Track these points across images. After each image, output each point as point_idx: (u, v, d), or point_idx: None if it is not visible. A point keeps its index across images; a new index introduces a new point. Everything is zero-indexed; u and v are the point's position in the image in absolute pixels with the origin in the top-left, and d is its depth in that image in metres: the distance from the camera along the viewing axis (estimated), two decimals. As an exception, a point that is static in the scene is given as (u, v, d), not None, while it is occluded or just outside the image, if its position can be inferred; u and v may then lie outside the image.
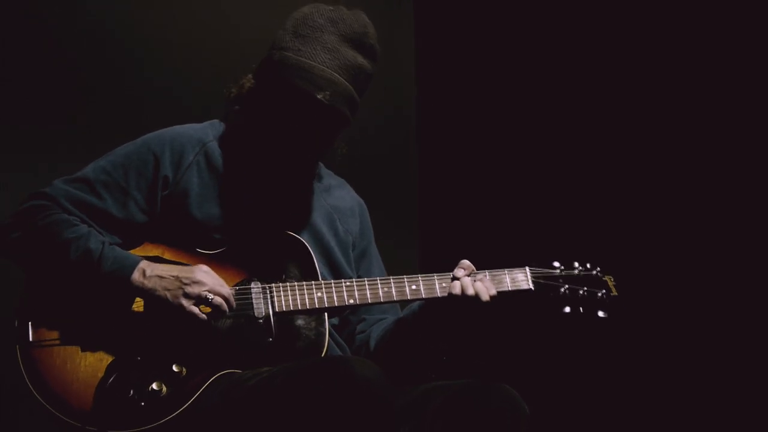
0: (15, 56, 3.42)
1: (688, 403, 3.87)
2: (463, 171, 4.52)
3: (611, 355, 3.98)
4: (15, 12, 3.44)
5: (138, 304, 2.47)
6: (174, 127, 2.71)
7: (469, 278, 2.62)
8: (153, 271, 2.44)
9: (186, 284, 2.43)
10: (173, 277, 2.44)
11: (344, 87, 2.57)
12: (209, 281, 2.45)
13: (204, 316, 2.44)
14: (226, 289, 2.48)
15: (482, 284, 2.61)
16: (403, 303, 2.76)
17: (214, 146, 2.68)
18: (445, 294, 2.62)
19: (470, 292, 2.59)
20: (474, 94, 4.51)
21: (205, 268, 2.48)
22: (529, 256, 2.76)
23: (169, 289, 2.43)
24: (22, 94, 3.43)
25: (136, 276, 2.43)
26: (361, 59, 2.61)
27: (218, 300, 2.45)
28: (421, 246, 4.53)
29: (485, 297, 2.60)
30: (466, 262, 2.65)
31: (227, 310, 2.47)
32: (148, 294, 2.43)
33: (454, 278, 2.62)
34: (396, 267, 2.94)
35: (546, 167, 4.31)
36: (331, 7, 2.64)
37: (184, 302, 2.43)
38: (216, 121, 2.77)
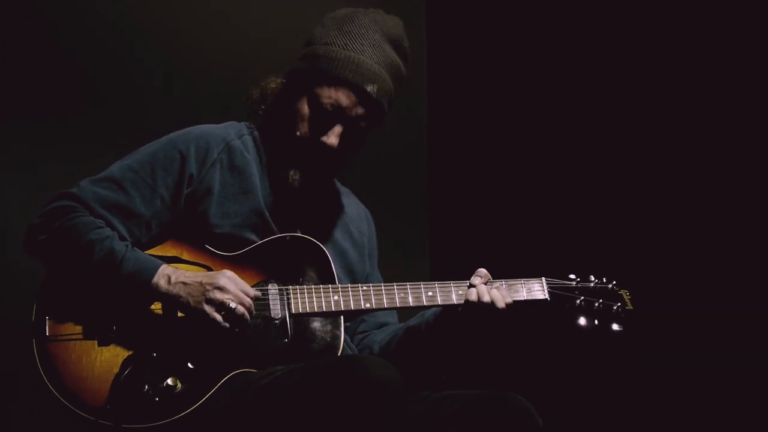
0: (19, 55, 3.45)
1: (702, 417, 3.84)
2: (475, 177, 4.49)
3: (624, 370, 3.95)
4: (20, 11, 3.48)
5: (156, 305, 2.48)
6: (197, 126, 2.72)
7: (486, 286, 2.62)
8: (178, 277, 2.44)
9: (208, 290, 2.42)
10: (197, 283, 2.43)
11: (388, 83, 2.65)
12: (232, 288, 2.44)
13: (226, 324, 2.43)
14: (248, 299, 2.46)
15: (498, 292, 2.61)
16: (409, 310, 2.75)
17: (237, 144, 2.69)
18: (461, 302, 2.63)
19: (486, 299, 2.60)
20: (487, 97, 4.47)
21: (229, 273, 2.47)
22: (541, 265, 2.77)
23: (192, 295, 2.42)
24: (24, 94, 3.46)
25: (162, 283, 2.42)
26: (398, 60, 2.69)
27: (240, 310, 2.44)
28: (432, 253, 4.51)
29: (501, 305, 2.60)
30: (482, 271, 2.66)
31: (248, 319, 2.46)
32: (173, 300, 2.43)
33: (471, 285, 2.63)
34: (407, 275, 2.94)
35: (560, 175, 4.27)
36: (372, 10, 2.72)
37: (206, 308, 2.42)
38: (234, 122, 2.79)
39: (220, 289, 2.43)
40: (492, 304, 2.59)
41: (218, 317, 2.42)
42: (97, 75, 3.61)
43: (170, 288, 2.42)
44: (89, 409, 2.36)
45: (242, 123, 2.78)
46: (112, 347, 2.43)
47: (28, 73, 3.46)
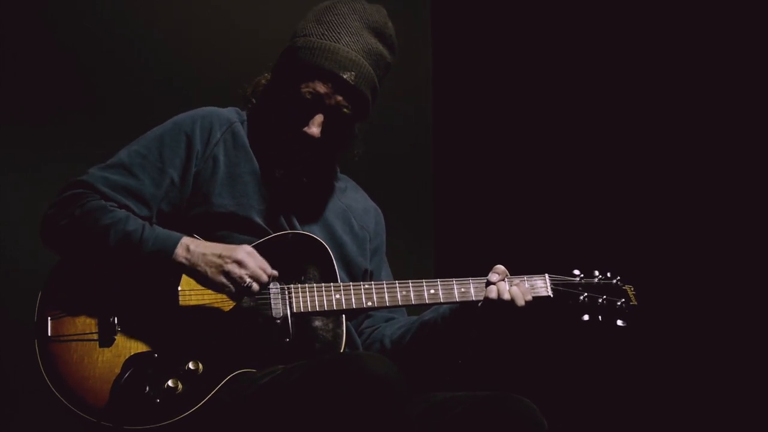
0: (19, 55, 3.46)
1: (703, 418, 3.83)
2: (479, 174, 4.49)
3: (630, 371, 3.94)
4: (27, 10, 3.49)
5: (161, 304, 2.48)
6: (201, 107, 2.73)
7: (505, 282, 2.61)
8: (197, 247, 2.46)
9: (227, 263, 2.44)
10: (216, 255, 2.45)
11: (368, 70, 2.63)
12: (251, 264, 2.46)
13: (240, 298, 2.47)
14: (265, 276, 2.48)
15: (518, 289, 2.61)
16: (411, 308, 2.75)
17: (240, 128, 2.71)
18: (464, 299, 2.63)
19: (506, 296, 2.59)
20: (492, 95, 4.47)
21: (248, 248, 2.49)
22: (546, 261, 2.75)
23: (210, 266, 2.45)
24: (24, 94, 3.47)
25: (180, 251, 2.44)
26: (381, 47, 2.68)
27: (255, 287, 2.46)
28: (437, 249, 4.51)
29: (521, 302, 2.60)
30: (500, 267, 2.65)
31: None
32: (190, 269, 2.45)
33: (489, 282, 2.62)
34: (411, 272, 2.93)
35: (565, 171, 4.27)
36: None
37: (223, 280, 2.45)
38: (237, 108, 2.80)
39: (239, 263, 2.45)
40: (512, 301, 2.59)
41: (233, 291, 2.45)
42: (96, 74, 3.62)
43: (189, 256, 2.45)
44: (90, 409, 2.36)
45: (243, 111, 2.80)
46: (113, 348, 2.44)
47: (28, 73, 3.48)
